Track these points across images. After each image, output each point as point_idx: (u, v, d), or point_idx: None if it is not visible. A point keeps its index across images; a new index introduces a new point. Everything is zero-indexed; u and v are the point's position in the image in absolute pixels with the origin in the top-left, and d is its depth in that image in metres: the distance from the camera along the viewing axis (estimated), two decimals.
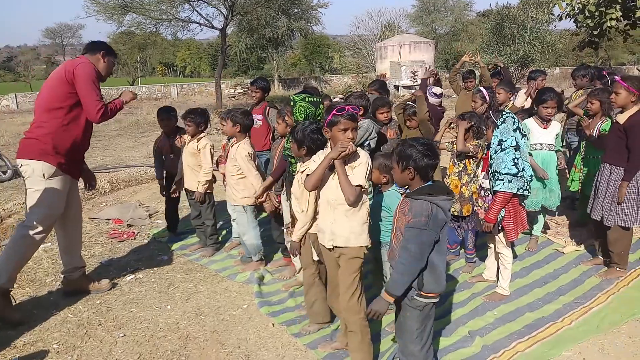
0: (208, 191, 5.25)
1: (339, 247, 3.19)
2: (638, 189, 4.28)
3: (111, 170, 9.33)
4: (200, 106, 7.10)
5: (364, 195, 3.14)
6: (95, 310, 4.30)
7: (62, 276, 4.63)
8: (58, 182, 4.11)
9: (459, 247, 5.05)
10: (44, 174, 4.02)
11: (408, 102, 5.47)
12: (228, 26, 19.36)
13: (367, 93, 5.99)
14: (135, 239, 5.99)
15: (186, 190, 5.47)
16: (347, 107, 3.08)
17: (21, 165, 4.09)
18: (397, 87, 20.28)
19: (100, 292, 4.56)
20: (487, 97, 5.35)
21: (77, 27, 67.22)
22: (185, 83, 28.04)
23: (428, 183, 2.80)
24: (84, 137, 4.24)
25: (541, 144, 4.96)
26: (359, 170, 3.07)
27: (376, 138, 5.11)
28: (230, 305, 4.35)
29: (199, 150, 5.14)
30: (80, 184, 4.61)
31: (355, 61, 32.62)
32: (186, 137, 5.27)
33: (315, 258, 3.61)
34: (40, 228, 4.05)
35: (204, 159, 5.13)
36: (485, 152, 4.35)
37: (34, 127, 4.08)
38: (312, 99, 3.93)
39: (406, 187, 2.91)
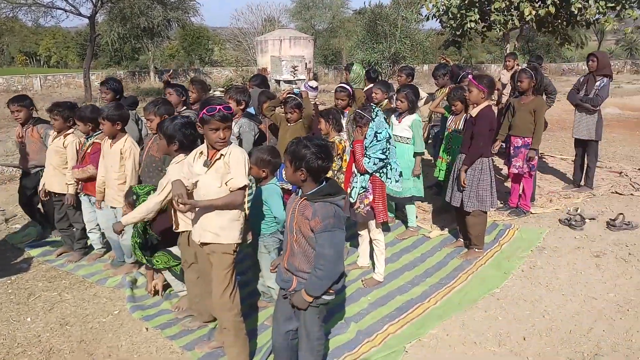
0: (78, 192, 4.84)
1: (208, 244, 3.14)
2: (491, 176, 4.73)
3: None
4: (66, 99, 6.55)
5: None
6: None
7: None
8: None
9: None
10: None
11: (290, 94, 5.41)
12: (97, 14, 18.08)
13: (248, 87, 5.93)
14: None
15: (49, 192, 4.97)
16: (218, 107, 3.01)
17: None
18: (278, 82, 20.37)
19: None
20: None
21: None
22: (50, 74, 25.66)
23: (323, 184, 2.78)
24: None
25: (397, 136, 5.26)
26: (239, 171, 3.02)
27: (259, 133, 5.11)
28: (100, 313, 4.09)
29: (65, 147, 4.74)
30: None
31: (237, 54, 32.19)
32: (51, 132, 4.84)
33: (192, 260, 3.51)
34: None
35: (69, 157, 4.74)
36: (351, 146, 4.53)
37: None
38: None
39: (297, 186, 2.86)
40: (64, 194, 4.84)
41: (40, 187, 5.01)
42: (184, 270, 3.80)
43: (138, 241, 3.92)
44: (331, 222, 2.66)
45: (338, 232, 2.69)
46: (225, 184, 3.05)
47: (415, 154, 5.25)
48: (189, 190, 3.17)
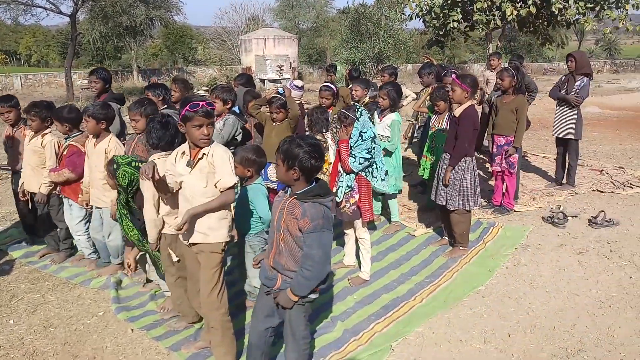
0: (56, 193, 4.77)
1: (197, 244, 3.13)
2: (475, 175, 4.78)
3: None
4: (47, 99, 6.45)
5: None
6: None
7: None
8: None
9: None
10: None
11: (275, 95, 5.38)
12: (79, 12, 17.86)
13: (233, 87, 5.90)
14: None
15: (28, 192, 4.88)
16: (201, 103, 2.99)
17: None
18: (262, 81, 20.32)
19: None
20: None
21: None
22: (30, 73, 25.28)
23: (313, 184, 2.78)
24: None
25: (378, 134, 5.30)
26: (226, 170, 3.00)
27: (242, 133, 5.08)
28: (84, 314, 4.04)
29: (44, 146, 4.67)
30: None
31: (220, 53, 32.02)
32: (28, 132, 4.77)
33: (175, 259, 3.49)
34: None
35: (47, 156, 4.67)
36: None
37: None
38: (138, 164, 3.60)
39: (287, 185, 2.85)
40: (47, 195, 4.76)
41: (19, 188, 4.93)
42: (165, 274, 3.76)
43: (124, 212, 3.77)
44: (320, 223, 2.66)
45: (326, 233, 2.70)
46: (215, 185, 3.04)
47: (386, 151, 5.26)
48: (173, 190, 3.15)
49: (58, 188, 4.71)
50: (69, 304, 4.21)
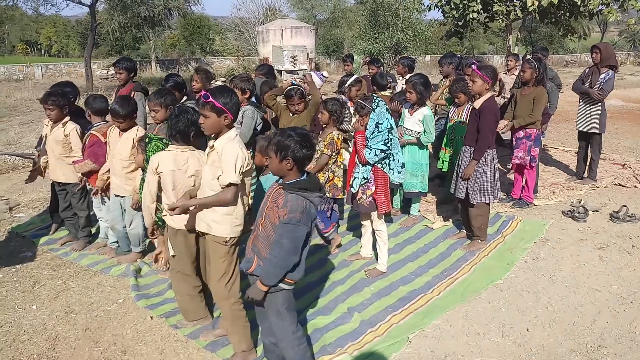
0: (79, 182, 4.82)
1: (205, 233, 3.21)
2: (495, 168, 4.73)
3: None
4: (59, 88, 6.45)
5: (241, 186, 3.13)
6: None
7: None
8: None
9: (337, 226, 5.15)
10: None
11: (291, 87, 5.34)
12: (98, 2, 17.99)
13: (254, 76, 5.91)
14: None
15: (55, 182, 4.97)
16: (200, 94, 3.09)
17: None
18: (279, 72, 20.30)
19: None
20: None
21: None
22: (51, 63, 25.56)
23: (303, 177, 2.81)
24: None
25: (407, 129, 5.26)
26: (228, 167, 3.01)
27: (262, 123, 5.09)
28: (104, 301, 4.11)
29: (67, 135, 4.72)
30: None
31: (238, 44, 32.06)
32: (47, 121, 4.82)
33: (171, 253, 3.51)
34: None
35: (74, 145, 4.72)
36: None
37: None
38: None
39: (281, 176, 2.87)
40: (69, 183, 4.84)
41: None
42: (170, 271, 3.72)
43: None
44: (297, 216, 2.68)
45: (301, 227, 2.70)
46: (217, 178, 3.07)
47: (422, 144, 5.24)
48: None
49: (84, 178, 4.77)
50: (89, 290, 4.27)
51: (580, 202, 5.94)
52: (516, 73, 8.00)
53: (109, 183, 4.59)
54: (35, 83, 21.02)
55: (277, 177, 2.91)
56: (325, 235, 4.98)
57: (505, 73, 8.13)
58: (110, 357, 3.43)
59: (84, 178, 4.75)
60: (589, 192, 6.47)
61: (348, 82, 5.99)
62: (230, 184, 3.03)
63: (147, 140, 3.81)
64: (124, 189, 4.45)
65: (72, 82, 5.15)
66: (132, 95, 5.36)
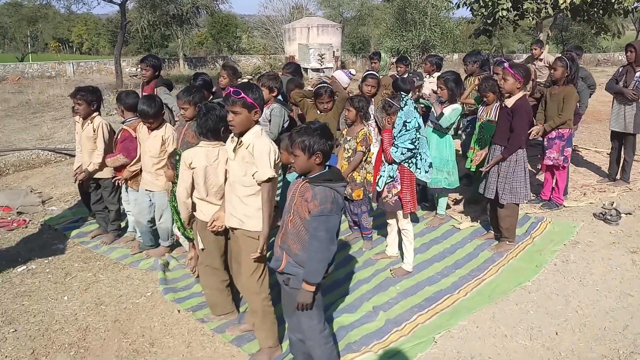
0: (110, 177, 4.92)
1: (237, 229, 3.20)
2: (525, 168, 4.64)
3: None
4: (99, 85, 6.62)
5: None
6: None
7: None
8: None
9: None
10: None
11: (323, 83, 5.34)
12: (128, 1, 18.31)
13: (281, 74, 5.93)
14: (26, 227, 5.57)
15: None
16: (230, 90, 3.08)
17: None
18: (305, 70, 20.35)
19: None
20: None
21: None
22: (82, 60, 26.15)
23: (325, 169, 2.82)
24: None
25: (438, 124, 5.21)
26: (264, 163, 3.02)
27: (289, 121, 5.11)
28: (133, 294, 4.18)
29: (95, 130, 4.82)
30: None
31: (264, 42, 32.24)
32: (77, 118, 4.93)
33: (200, 247, 3.55)
34: None
35: (99, 139, 4.82)
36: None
37: None
38: None
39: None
40: (100, 178, 4.94)
41: (74, 169, 5.11)
42: (199, 265, 3.75)
43: (176, 204, 3.85)
44: (328, 207, 2.69)
45: (334, 217, 2.72)
46: (252, 176, 3.09)
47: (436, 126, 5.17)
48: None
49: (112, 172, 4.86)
50: (119, 283, 4.36)
51: (612, 205, 5.79)
52: (542, 58, 7.95)
53: (135, 174, 4.68)
54: (67, 80, 21.49)
55: (298, 175, 2.91)
56: (370, 236, 5.01)
57: (533, 64, 8.07)
58: (139, 348, 3.49)
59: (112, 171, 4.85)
60: (622, 195, 6.31)
61: (360, 79, 5.96)
62: (268, 179, 3.05)
63: (177, 157, 3.85)
64: (154, 184, 4.53)
65: (98, 88, 5.22)
66: (155, 91, 5.45)
